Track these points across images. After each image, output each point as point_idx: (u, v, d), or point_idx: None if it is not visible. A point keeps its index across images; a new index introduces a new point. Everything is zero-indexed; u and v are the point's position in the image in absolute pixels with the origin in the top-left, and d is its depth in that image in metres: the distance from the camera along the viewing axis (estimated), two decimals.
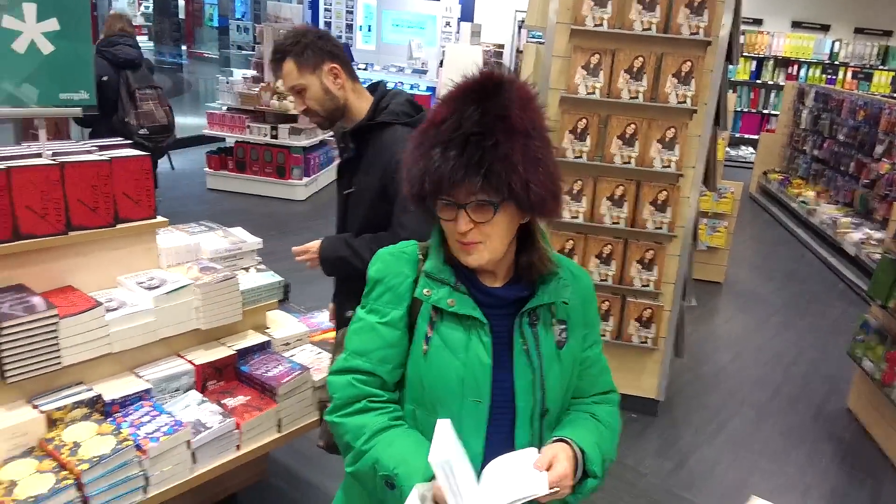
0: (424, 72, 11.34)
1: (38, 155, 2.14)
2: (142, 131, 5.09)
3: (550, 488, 1.19)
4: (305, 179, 7.52)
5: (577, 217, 3.52)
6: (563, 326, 1.36)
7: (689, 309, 3.84)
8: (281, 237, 5.67)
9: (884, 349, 3.76)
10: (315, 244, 2.19)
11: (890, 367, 3.66)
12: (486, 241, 1.24)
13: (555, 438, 1.32)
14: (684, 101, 3.33)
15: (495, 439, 1.31)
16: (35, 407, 1.93)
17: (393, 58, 12.15)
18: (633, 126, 3.38)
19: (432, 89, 10.49)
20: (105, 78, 4.96)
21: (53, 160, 2.09)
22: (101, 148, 2.34)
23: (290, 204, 7.36)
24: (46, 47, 2.12)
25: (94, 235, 2.17)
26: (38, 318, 1.87)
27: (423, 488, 1.18)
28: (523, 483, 1.20)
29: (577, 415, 1.41)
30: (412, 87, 10.75)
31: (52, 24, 2.11)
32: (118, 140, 2.50)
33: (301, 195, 7.52)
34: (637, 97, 3.37)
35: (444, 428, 1.20)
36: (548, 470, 1.23)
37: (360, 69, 11.22)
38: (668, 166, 3.40)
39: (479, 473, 1.28)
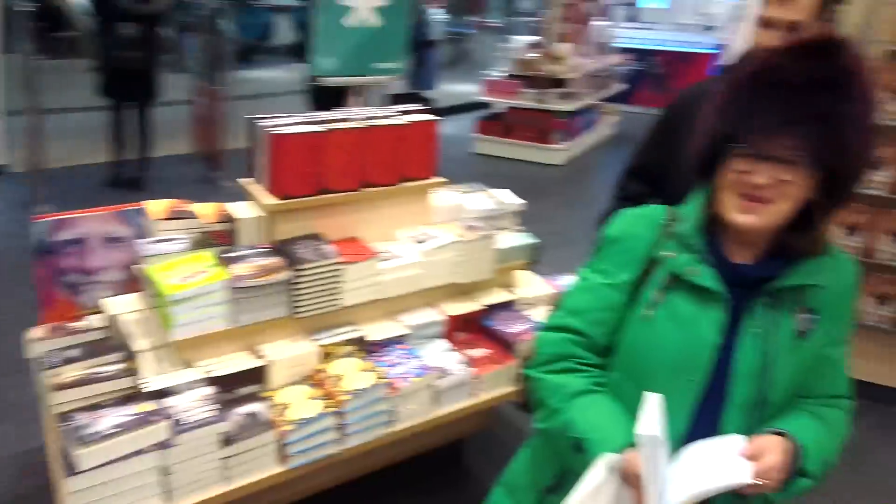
0: (714, 28, 10.49)
1: (346, 119, 2.36)
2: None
3: (756, 480, 1.09)
4: (565, 144, 7.48)
5: (873, 188, 3.01)
6: (810, 315, 1.20)
7: None
8: (536, 200, 5.74)
9: None
10: None
11: None
12: (777, 203, 1.12)
13: (770, 430, 1.18)
14: None
15: (702, 423, 1.20)
16: (314, 341, 2.20)
17: (678, 16, 11.42)
18: None
19: (719, 47, 9.67)
20: None
21: (361, 124, 2.30)
22: (404, 113, 2.53)
23: (549, 168, 7.39)
24: (374, 21, 2.33)
25: (380, 193, 2.38)
26: (326, 264, 2.12)
27: (612, 458, 1.14)
28: (725, 470, 1.10)
29: (801, 412, 1.27)
30: (697, 45, 10.02)
31: (382, 0, 2.31)
32: (413, 105, 2.69)
33: (559, 159, 7.50)
34: None
35: (653, 403, 1.12)
36: (755, 460, 1.12)
37: (644, 28, 10.73)
38: None
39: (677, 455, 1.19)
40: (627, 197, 2.17)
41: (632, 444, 1.15)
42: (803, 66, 1.08)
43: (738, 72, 1.15)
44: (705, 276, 1.20)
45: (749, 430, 1.21)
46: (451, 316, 2.39)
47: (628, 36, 10.39)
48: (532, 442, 1.47)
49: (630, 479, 1.12)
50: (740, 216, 1.15)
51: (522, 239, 2.66)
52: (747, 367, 1.20)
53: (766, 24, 1.85)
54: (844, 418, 1.31)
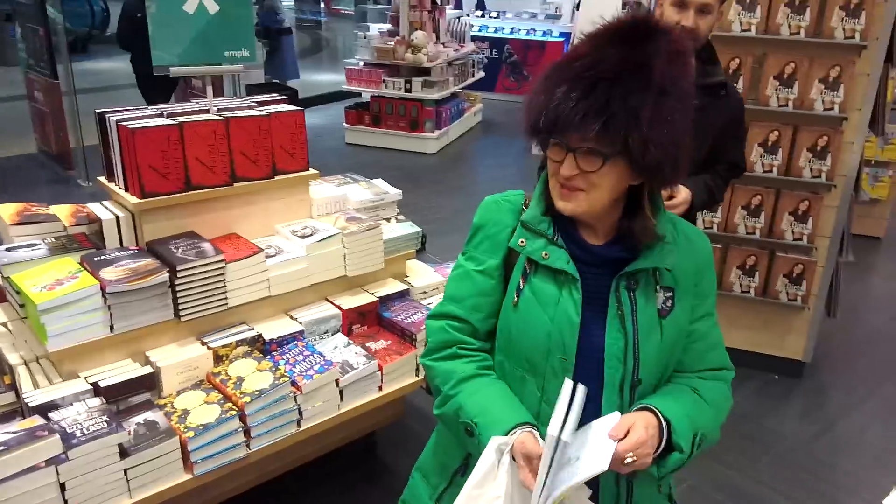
0: (558, 17, 11.00)
1: (206, 111, 2.30)
2: None
3: (623, 461, 1.12)
4: (437, 132, 7.61)
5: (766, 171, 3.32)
6: (669, 294, 1.27)
7: (846, 265, 3.56)
8: (413, 189, 5.81)
9: None
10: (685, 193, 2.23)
11: None
12: (589, 192, 1.17)
13: (638, 406, 1.24)
14: (853, 36, 3.03)
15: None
16: (204, 344, 2.13)
17: (525, 4, 11.86)
18: (791, 65, 3.13)
19: (566, 35, 10.17)
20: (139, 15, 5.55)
21: (220, 115, 2.25)
22: (260, 104, 2.49)
23: (422, 157, 7.50)
24: (213, 7, 2.25)
25: (255, 187, 2.33)
26: (208, 263, 2.05)
27: (500, 441, 1.17)
28: (592, 458, 1.12)
29: (674, 386, 1.31)
30: (544, 33, 10.48)
31: None
32: (274, 96, 2.65)
33: (432, 148, 7.63)
34: (798, 33, 3.10)
35: (566, 393, 1.13)
36: (622, 439, 1.15)
37: (492, 17, 11.07)
38: (831, 109, 3.13)
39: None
40: None
41: (518, 426, 1.20)
42: (613, 56, 1.10)
43: (556, 62, 1.18)
44: (556, 258, 1.24)
45: (626, 409, 1.24)
46: (345, 309, 2.38)
47: (479, 24, 10.68)
48: (438, 427, 1.51)
49: (519, 460, 1.15)
50: (560, 202, 1.21)
51: (407, 228, 2.69)
52: (613, 348, 1.23)
53: (679, 4, 2.04)
54: (724, 389, 1.34)
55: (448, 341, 1.33)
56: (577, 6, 9.59)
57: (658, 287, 1.26)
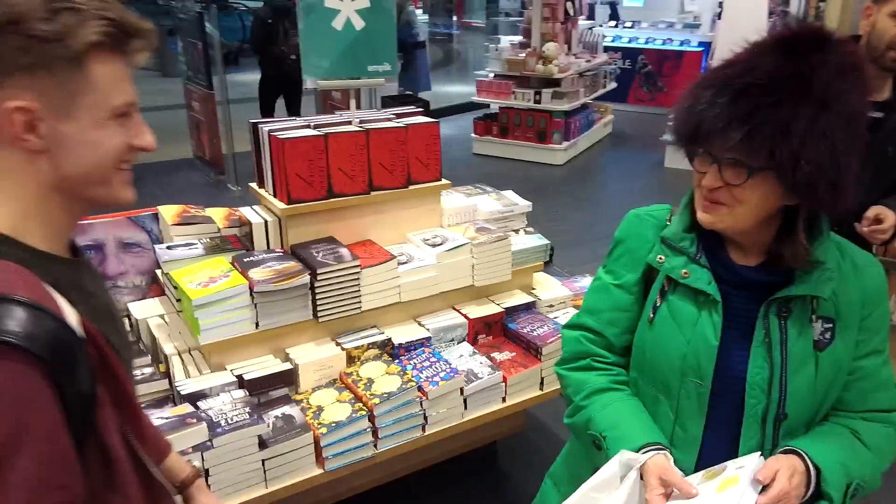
0: (697, 26, 10.59)
1: (348, 122, 2.42)
2: (292, 56, 6.44)
3: None
4: (565, 143, 7.55)
5: None
6: (829, 326, 1.17)
7: None
8: (540, 201, 5.78)
9: None
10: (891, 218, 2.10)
11: None
12: (733, 207, 1.10)
13: (785, 448, 1.16)
14: None
15: (719, 429, 1.20)
16: (338, 344, 2.22)
17: (662, 13, 11.52)
18: None
19: (705, 45, 9.78)
20: (270, 20, 6.76)
21: (361, 127, 2.36)
22: (398, 116, 2.58)
23: (549, 168, 7.45)
24: (359, 23, 2.36)
25: (390, 195, 2.42)
26: (345, 267, 2.14)
27: (629, 456, 1.16)
28: (730, 498, 1.06)
29: (831, 427, 1.22)
30: (681, 43, 10.13)
31: (364, 2, 2.35)
32: (411, 108, 2.74)
33: (560, 159, 7.57)
34: None
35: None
36: (767, 484, 1.08)
37: (626, 27, 10.85)
38: None
39: (696, 461, 1.20)
40: None
41: (649, 445, 1.17)
42: (770, 63, 1.04)
43: (712, 70, 1.14)
44: (697, 277, 1.19)
45: (772, 445, 1.19)
46: (471, 319, 2.42)
47: (612, 34, 10.49)
48: (572, 436, 1.50)
49: (653, 481, 1.11)
50: (701, 214, 1.16)
51: (536, 240, 2.69)
52: (756, 377, 1.17)
53: None
54: (891, 434, 1.24)
55: (582, 352, 1.34)
56: (719, 15, 9.21)
57: (814, 317, 1.17)
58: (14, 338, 0.71)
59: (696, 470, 1.19)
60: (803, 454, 1.14)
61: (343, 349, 2.19)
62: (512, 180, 6.68)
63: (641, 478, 1.14)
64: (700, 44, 9.94)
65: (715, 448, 1.21)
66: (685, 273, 1.20)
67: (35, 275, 0.79)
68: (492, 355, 2.35)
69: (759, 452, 1.16)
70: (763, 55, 1.07)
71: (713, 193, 1.11)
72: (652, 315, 1.25)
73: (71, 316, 0.80)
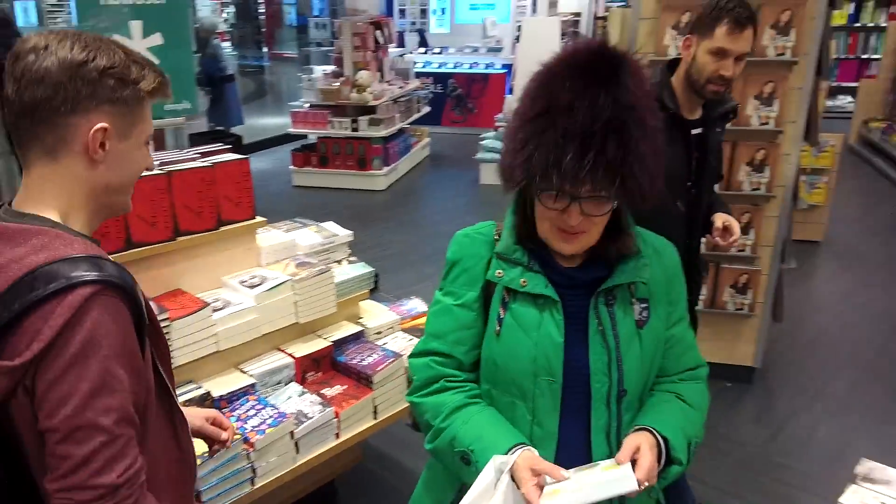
0: (499, 49, 11.22)
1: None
2: None
3: (640, 485, 1.18)
4: (385, 169, 7.63)
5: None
6: (644, 305, 1.33)
7: (788, 271, 3.67)
8: (364, 227, 5.80)
9: None
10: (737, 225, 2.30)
11: None
12: (590, 231, 1.24)
13: (636, 428, 1.29)
14: (783, 53, 3.17)
15: (571, 420, 1.30)
16: None
17: (467, 38, 12.07)
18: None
19: (507, 66, 10.37)
20: None
21: (161, 170, 2.21)
22: (204, 154, 2.45)
23: (372, 194, 7.50)
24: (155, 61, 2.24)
25: (199, 239, 2.29)
26: None
27: (500, 460, 1.20)
28: (612, 480, 1.18)
29: (660, 396, 1.38)
30: (487, 66, 10.67)
31: (157, 39, 2.23)
32: (218, 145, 2.62)
33: (382, 185, 7.64)
34: None
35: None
36: (633, 461, 1.21)
37: (434, 53, 11.23)
38: (767, 123, 3.25)
39: (555, 454, 1.29)
40: None
41: (515, 446, 1.23)
42: (597, 99, 1.13)
43: (536, 110, 1.18)
44: (535, 284, 1.29)
45: (617, 421, 1.31)
46: (298, 357, 2.35)
47: (423, 61, 10.83)
48: (429, 462, 1.51)
49: (525, 474, 1.17)
50: (561, 245, 1.26)
51: (359, 269, 2.68)
52: (598, 363, 1.29)
53: (718, 53, 2.11)
54: (703, 388, 1.42)
55: (434, 377, 1.36)
56: (517, 39, 9.83)
57: (633, 300, 1.32)
58: (113, 279, 1.03)
59: (556, 463, 1.25)
60: (651, 429, 1.27)
61: None
62: (335, 210, 6.64)
63: (513, 478, 1.18)
64: (504, 66, 10.53)
65: (570, 438, 1.30)
66: (524, 282, 1.29)
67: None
68: (322, 392, 2.30)
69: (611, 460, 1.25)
70: (583, 90, 1.14)
71: (573, 227, 1.21)
72: (498, 327, 1.31)
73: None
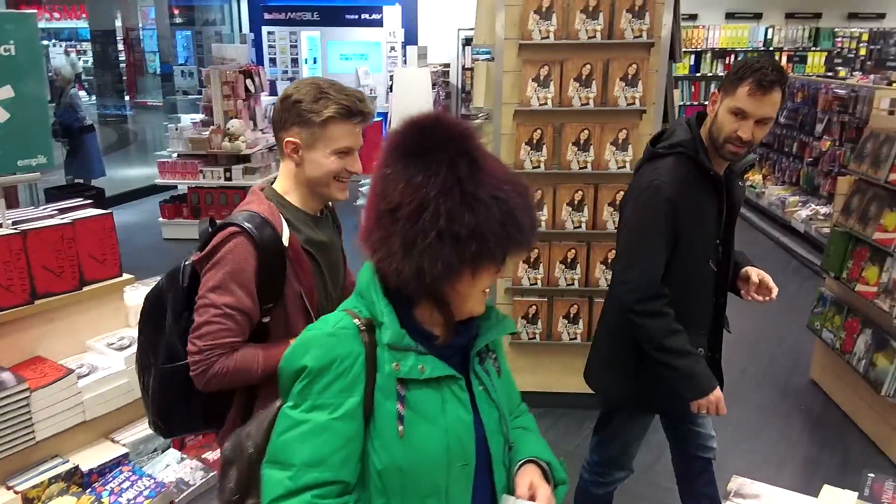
0: (374, 98, 11.39)
1: None
2: None
3: None
4: None
5: (539, 226, 3.55)
6: (494, 355, 1.34)
7: None
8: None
9: (841, 319, 3.88)
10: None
11: (848, 334, 3.79)
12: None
13: (521, 462, 1.30)
14: (633, 103, 3.41)
15: (479, 492, 1.24)
16: (10, 488, 1.87)
17: None
18: (586, 131, 3.45)
19: (383, 115, 10.53)
20: None
21: (15, 229, 2.05)
22: (62, 211, 2.30)
23: None
24: (2, 115, 2.08)
25: (60, 301, 2.14)
26: (7, 395, 1.82)
27: None
28: None
29: (516, 433, 1.37)
30: None
31: (7, 92, 2.08)
32: (78, 200, 2.46)
33: None
34: (588, 103, 3.44)
35: None
36: (532, 499, 1.23)
37: None
38: (623, 167, 3.47)
39: None
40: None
41: None
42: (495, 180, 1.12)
43: (446, 186, 1.10)
44: (432, 367, 1.18)
45: (509, 474, 1.30)
46: None
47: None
48: None
49: None
50: (481, 308, 1.23)
51: None
52: (491, 423, 1.25)
53: (739, 114, 1.99)
54: (532, 417, 1.46)
55: None
56: (391, 88, 10.03)
57: (490, 351, 1.32)
58: (250, 230, 1.55)
59: None
60: (535, 459, 1.30)
61: (16, 492, 1.85)
62: None
63: None
64: (379, 113, 10.67)
65: None
66: (422, 368, 1.17)
67: (279, 212, 1.61)
68: (204, 456, 2.17)
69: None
70: (435, 171, 1.11)
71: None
72: (401, 426, 1.15)
73: (284, 233, 1.59)
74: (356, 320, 1.19)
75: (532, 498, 1.23)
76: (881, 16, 12.19)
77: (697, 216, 2.14)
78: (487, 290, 1.22)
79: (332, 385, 1.14)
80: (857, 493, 1.60)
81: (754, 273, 2.24)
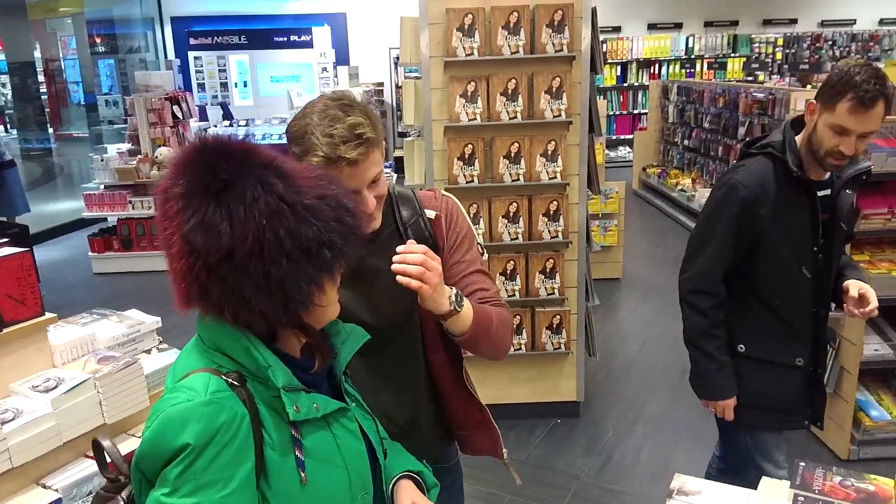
0: None
1: None
2: None
3: None
4: None
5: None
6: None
7: (594, 308, 3.99)
8: (176, 312, 5.43)
9: None
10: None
11: None
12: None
13: (395, 478, 1.32)
14: (559, 115, 3.49)
15: None
16: None
17: (273, 110, 12.05)
18: (516, 144, 3.50)
19: None
20: None
21: None
22: None
23: None
24: None
25: None
26: None
27: None
28: None
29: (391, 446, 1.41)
30: None
31: None
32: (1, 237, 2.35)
33: None
34: (516, 117, 3.50)
35: None
36: None
37: (241, 125, 11.06)
38: (554, 177, 3.54)
39: None
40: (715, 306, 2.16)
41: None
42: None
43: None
44: (324, 403, 1.14)
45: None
46: (111, 462, 2.12)
47: (229, 133, 10.61)
48: None
49: None
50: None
51: (172, 356, 2.50)
52: (373, 435, 1.27)
53: (840, 132, 1.93)
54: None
55: None
56: None
57: (347, 369, 1.29)
58: None
59: None
60: (408, 473, 1.33)
61: None
62: (144, 295, 6.18)
63: None
64: None
65: None
66: (317, 406, 1.11)
67: None
68: None
69: None
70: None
71: None
72: (303, 474, 1.08)
73: None
74: (223, 378, 1.07)
75: None
76: (793, 21, 12.83)
77: (782, 218, 2.10)
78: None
79: (217, 458, 1.01)
80: (789, 483, 1.65)
81: (854, 286, 2.09)
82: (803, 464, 1.70)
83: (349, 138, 1.35)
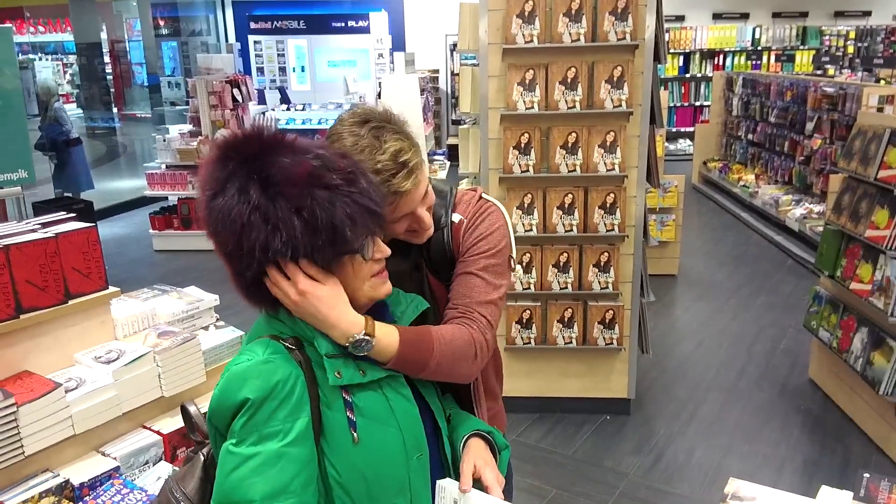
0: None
1: None
2: None
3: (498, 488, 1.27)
4: None
5: (530, 230, 3.55)
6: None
7: (649, 304, 3.91)
8: (232, 290, 5.54)
9: (837, 317, 3.88)
10: None
11: (845, 333, 3.78)
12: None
13: (467, 435, 1.36)
14: (620, 105, 3.41)
15: (434, 473, 1.29)
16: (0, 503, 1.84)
17: (329, 95, 12.17)
18: (574, 134, 3.44)
19: None
20: None
21: None
22: (45, 225, 2.27)
23: None
24: None
25: (45, 316, 2.10)
26: None
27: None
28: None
29: (452, 406, 1.49)
30: None
31: None
32: (61, 214, 2.44)
33: None
34: (574, 106, 3.44)
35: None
36: (476, 475, 1.27)
37: (298, 110, 11.20)
38: (612, 169, 3.47)
39: None
40: None
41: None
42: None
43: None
44: (370, 369, 1.20)
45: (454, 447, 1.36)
46: (166, 434, 2.18)
47: (286, 118, 10.76)
48: None
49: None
50: (383, 288, 1.26)
51: (228, 333, 2.55)
52: (431, 396, 1.33)
53: None
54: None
55: None
56: (379, 95, 10.02)
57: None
58: None
59: None
60: (478, 431, 1.37)
61: None
62: (201, 273, 6.34)
63: None
64: None
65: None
66: (362, 372, 1.19)
67: None
68: None
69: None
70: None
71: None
72: (355, 434, 1.15)
73: None
74: (282, 342, 1.18)
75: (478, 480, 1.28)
76: (867, 13, 12.28)
77: None
78: (382, 272, 1.24)
79: (276, 412, 1.11)
80: (852, 494, 1.58)
81: None
82: (868, 475, 1.63)
83: (396, 169, 1.30)
